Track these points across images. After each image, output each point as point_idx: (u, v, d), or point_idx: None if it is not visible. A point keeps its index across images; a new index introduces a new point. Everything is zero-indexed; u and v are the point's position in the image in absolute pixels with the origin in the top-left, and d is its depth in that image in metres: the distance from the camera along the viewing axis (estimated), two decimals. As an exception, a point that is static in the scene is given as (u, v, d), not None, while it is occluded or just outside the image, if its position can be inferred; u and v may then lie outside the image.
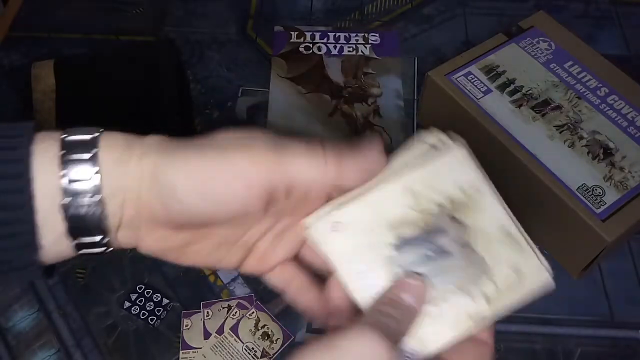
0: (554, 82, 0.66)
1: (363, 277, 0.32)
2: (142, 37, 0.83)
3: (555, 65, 0.68)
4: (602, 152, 0.61)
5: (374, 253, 0.32)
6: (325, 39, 0.83)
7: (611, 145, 0.61)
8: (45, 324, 0.60)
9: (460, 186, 0.34)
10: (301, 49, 0.81)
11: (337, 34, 0.83)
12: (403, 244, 0.33)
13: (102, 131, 0.31)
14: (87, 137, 0.30)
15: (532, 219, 0.65)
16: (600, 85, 0.66)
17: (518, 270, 0.32)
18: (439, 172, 0.33)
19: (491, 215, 0.34)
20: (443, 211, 0.33)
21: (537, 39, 0.70)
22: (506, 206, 0.34)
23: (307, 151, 0.32)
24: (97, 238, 0.31)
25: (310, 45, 0.82)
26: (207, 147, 0.31)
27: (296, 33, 0.83)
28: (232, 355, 0.58)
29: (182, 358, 0.58)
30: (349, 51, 0.81)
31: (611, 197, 0.58)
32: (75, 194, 0.29)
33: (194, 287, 0.62)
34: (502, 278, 0.32)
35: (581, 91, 0.65)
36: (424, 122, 0.74)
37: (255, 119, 0.75)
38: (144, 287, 0.62)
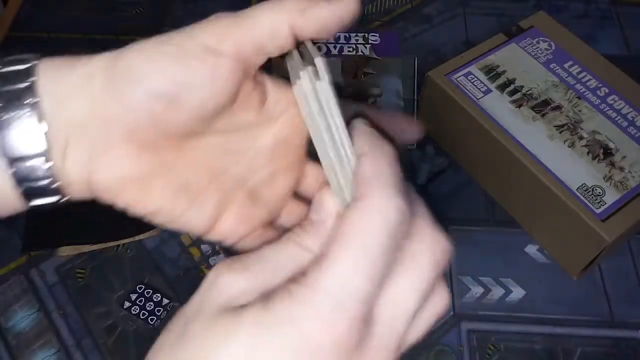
0: (554, 82, 0.66)
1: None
2: (142, 37, 0.83)
3: (555, 65, 0.68)
4: (602, 152, 0.61)
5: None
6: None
7: (611, 145, 0.61)
8: (45, 324, 0.60)
9: None
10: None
11: (337, 34, 0.83)
12: None
13: (37, 59, 0.27)
14: (22, 67, 0.26)
15: (532, 219, 0.65)
16: (600, 85, 0.66)
17: None
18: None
19: None
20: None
21: (537, 39, 0.70)
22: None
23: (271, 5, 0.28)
24: (44, 182, 0.26)
25: (310, 45, 0.82)
26: (165, 37, 0.29)
27: (296, 33, 0.83)
28: (232, 355, 0.58)
29: None
30: (349, 51, 0.81)
31: (611, 197, 0.58)
32: (13, 139, 0.25)
33: (194, 287, 0.62)
34: None
35: (581, 91, 0.65)
36: (424, 122, 0.73)
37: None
38: (144, 287, 0.62)
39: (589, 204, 0.57)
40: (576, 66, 0.67)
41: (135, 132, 0.26)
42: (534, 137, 0.62)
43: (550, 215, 0.61)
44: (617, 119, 0.63)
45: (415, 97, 0.77)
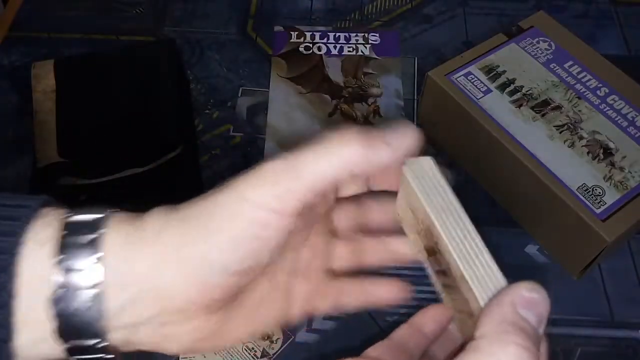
0: (554, 82, 0.66)
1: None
2: (142, 37, 0.83)
3: (555, 65, 0.68)
4: (602, 152, 0.61)
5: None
6: (325, 39, 0.83)
7: (611, 145, 0.61)
8: (45, 324, 0.60)
9: None
10: (301, 49, 0.81)
11: (337, 34, 0.83)
12: None
13: (109, 212, 0.27)
14: (91, 217, 0.26)
15: (532, 219, 0.65)
16: (601, 85, 0.66)
17: None
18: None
19: None
20: None
21: (537, 39, 0.70)
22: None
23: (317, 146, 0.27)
24: (91, 341, 0.25)
25: (310, 45, 0.82)
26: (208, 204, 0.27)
27: (296, 33, 0.83)
28: (232, 355, 0.58)
29: (182, 358, 0.58)
30: (349, 51, 0.81)
31: (611, 197, 0.58)
32: (69, 286, 0.24)
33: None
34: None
35: (581, 91, 0.65)
36: (424, 122, 0.74)
37: (255, 119, 0.75)
38: (144, 287, 0.62)
39: (588, 204, 0.57)
40: (576, 66, 0.67)
41: (209, 306, 0.26)
42: (534, 137, 0.62)
43: (550, 215, 0.61)
44: (617, 119, 0.63)
45: (415, 97, 0.77)
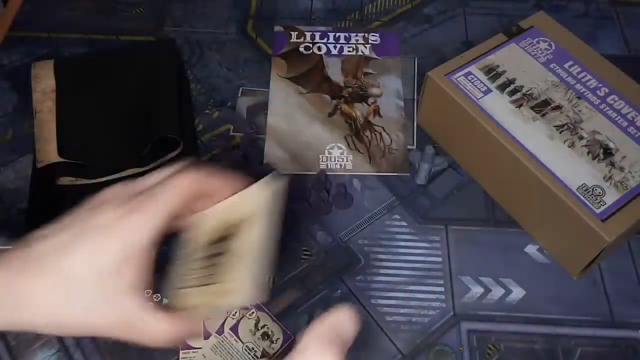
0: (554, 82, 0.66)
1: None
2: (142, 37, 0.83)
3: (555, 65, 0.68)
4: (602, 152, 0.61)
5: None
6: (325, 39, 0.83)
7: (611, 145, 0.61)
8: (45, 324, 0.60)
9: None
10: (301, 49, 0.81)
11: (337, 34, 0.83)
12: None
13: None
14: None
15: (532, 219, 0.65)
16: (600, 85, 0.66)
17: (235, 285, 0.39)
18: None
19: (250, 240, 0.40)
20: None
21: (537, 39, 0.70)
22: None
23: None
24: None
25: (310, 45, 0.82)
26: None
27: (296, 33, 0.83)
28: (232, 355, 0.58)
29: (182, 358, 0.58)
30: (349, 51, 0.81)
31: (611, 197, 0.58)
32: None
33: (194, 287, 0.62)
34: (222, 285, 0.40)
35: (581, 91, 0.65)
36: (424, 122, 0.74)
37: (255, 119, 0.75)
38: (144, 287, 0.62)
39: (588, 204, 0.57)
40: (576, 66, 0.67)
41: None
42: (534, 137, 0.62)
43: (550, 215, 0.61)
44: (617, 119, 0.63)
45: (415, 97, 0.77)
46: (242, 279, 0.39)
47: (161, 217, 0.36)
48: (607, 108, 0.64)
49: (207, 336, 0.59)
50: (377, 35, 0.83)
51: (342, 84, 0.78)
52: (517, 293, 0.62)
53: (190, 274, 0.41)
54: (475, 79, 0.66)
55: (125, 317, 0.36)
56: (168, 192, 0.37)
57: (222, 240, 0.41)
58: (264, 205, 0.40)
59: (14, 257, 0.35)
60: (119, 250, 0.35)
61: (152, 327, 0.37)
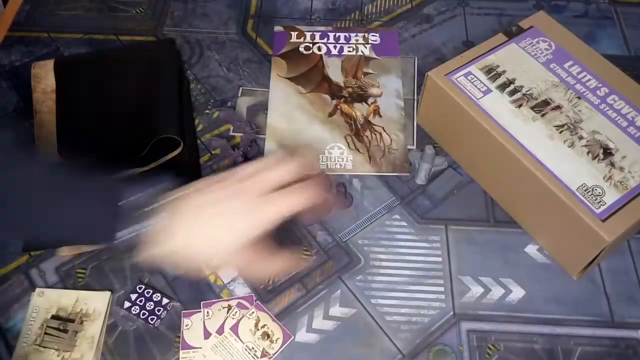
0: (553, 82, 0.66)
1: None
2: (142, 37, 0.83)
3: (555, 65, 0.68)
4: (602, 152, 0.61)
5: None
6: (325, 39, 0.83)
7: (611, 145, 0.61)
8: (46, 324, 0.60)
9: None
10: (301, 49, 0.81)
11: (337, 34, 0.83)
12: None
13: None
14: None
15: (532, 219, 0.65)
16: (600, 85, 0.66)
17: None
18: None
19: None
20: None
21: (537, 39, 0.70)
22: None
23: None
24: None
25: (310, 45, 0.82)
26: None
27: (296, 33, 0.83)
28: (232, 355, 0.58)
29: (182, 358, 0.58)
30: (349, 51, 0.81)
31: (611, 197, 0.58)
32: None
33: (194, 287, 0.62)
34: None
35: (581, 91, 0.65)
36: (424, 122, 0.74)
37: (255, 118, 0.75)
38: (144, 287, 0.62)
39: (588, 204, 0.57)
40: (576, 66, 0.67)
41: None
42: (534, 137, 0.62)
43: (550, 216, 0.61)
44: (617, 119, 0.63)
45: (415, 97, 0.77)
46: None
47: (286, 213, 0.48)
48: (607, 108, 0.64)
49: (207, 336, 0.59)
50: (377, 35, 0.83)
51: (342, 84, 0.78)
52: (517, 293, 0.62)
53: None
54: (475, 79, 0.66)
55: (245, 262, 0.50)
56: (297, 199, 0.48)
57: None
58: None
59: (190, 200, 0.48)
60: (250, 229, 0.47)
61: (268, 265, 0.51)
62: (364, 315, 0.61)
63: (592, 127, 0.63)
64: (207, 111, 0.76)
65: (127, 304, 0.61)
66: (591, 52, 0.69)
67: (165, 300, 0.61)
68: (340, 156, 0.71)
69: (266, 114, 0.75)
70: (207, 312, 0.60)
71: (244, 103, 0.76)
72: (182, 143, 0.68)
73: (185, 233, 0.47)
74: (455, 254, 0.65)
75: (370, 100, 0.76)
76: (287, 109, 0.75)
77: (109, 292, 0.61)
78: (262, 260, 0.50)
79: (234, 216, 0.47)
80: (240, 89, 0.78)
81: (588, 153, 0.61)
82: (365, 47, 0.82)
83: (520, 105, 0.64)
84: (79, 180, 0.50)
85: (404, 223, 0.67)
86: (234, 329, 0.59)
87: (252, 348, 0.58)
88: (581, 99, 0.65)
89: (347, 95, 0.77)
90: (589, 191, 0.58)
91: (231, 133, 0.73)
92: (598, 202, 0.57)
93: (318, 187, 0.49)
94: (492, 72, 0.67)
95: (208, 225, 0.47)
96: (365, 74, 0.79)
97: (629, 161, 0.60)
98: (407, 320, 0.60)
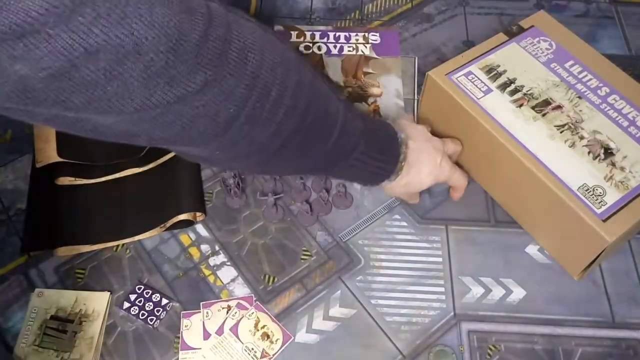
0: (554, 81, 0.66)
1: None
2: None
3: (555, 64, 0.67)
4: (603, 152, 0.61)
5: None
6: (325, 38, 0.82)
7: (612, 145, 0.61)
8: (45, 325, 0.60)
9: None
10: (301, 49, 0.81)
11: (337, 34, 0.83)
12: None
13: None
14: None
15: (533, 219, 0.65)
16: (601, 84, 0.66)
17: None
18: None
19: None
20: None
21: (537, 39, 0.70)
22: None
23: None
24: None
25: (310, 45, 0.82)
26: None
27: (296, 33, 0.83)
28: (231, 356, 0.58)
29: (181, 358, 0.58)
30: (349, 51, 0.81)
31: (612, 197, 0.58)
32: None
33: (194, 287, 0.62)
34: None
35: (582, 91, 0.65)
36: (424, 122, 0.73)
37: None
38: (143, 287, 0.62)
39: (589, 204, 0.57)
40: (577, 66, 0.67)
41: None
42: (535, 136, 0.61)
43: (551, 216, 0.61)
44: (618, 118, 0.63)
45: (416, 97, 0.77)
46: None
47: (446, 178, 0.63)
48: (608, 108, 0.64)
49: (206, 337, 0.59)
50: (377, 34, 0.83)
51: (342, 84, 0.78)
52: (518, 293, 0.62)
53: None
54: (476, 78, 0.66)
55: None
56: (457, 176, 0.64)
57: None
58: None
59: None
60: (436, 178, 0.62)
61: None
62: (364, 316, 0.60)
63: (593, 127, 0.62)
64: (207, 111, 0.75)
65: (126, 305, 0.61)
66: (592, 52, 0.69)
67: (164, 301, 0.61)
68: (340, 156, 0.71)
69: (266, 113, 0.75)
70: (207, 313, 0.60)
71: (243, 103, 0.76)
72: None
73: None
74: (455, 254, 0.64)
75: (371, 100, 0.76)
76: (287, 108, 0.75)
77: (108, 293, 0.61)
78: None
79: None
80: (240, 88, 0.77)
81: (589, 153, 0.61)
82: (366, 47, 0.82)
83: (520, 105, 0.64)
84: None
85: (404, 223, 0.67)
86: (234, 329, 0.59)
87: (252, 349, 0.58)
88: (582, 99, 0.65)
89: (347, 95, 0.76)
90: (590, 191, 0.58)
91: (231, 133, 0.73)
92: (599, 202, 0.57)
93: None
94: (492, 72, 0.66)
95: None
96: (366, 73, 0.79)
97: (630, 161, 0.60)
98: (407, 320, 0.60)
